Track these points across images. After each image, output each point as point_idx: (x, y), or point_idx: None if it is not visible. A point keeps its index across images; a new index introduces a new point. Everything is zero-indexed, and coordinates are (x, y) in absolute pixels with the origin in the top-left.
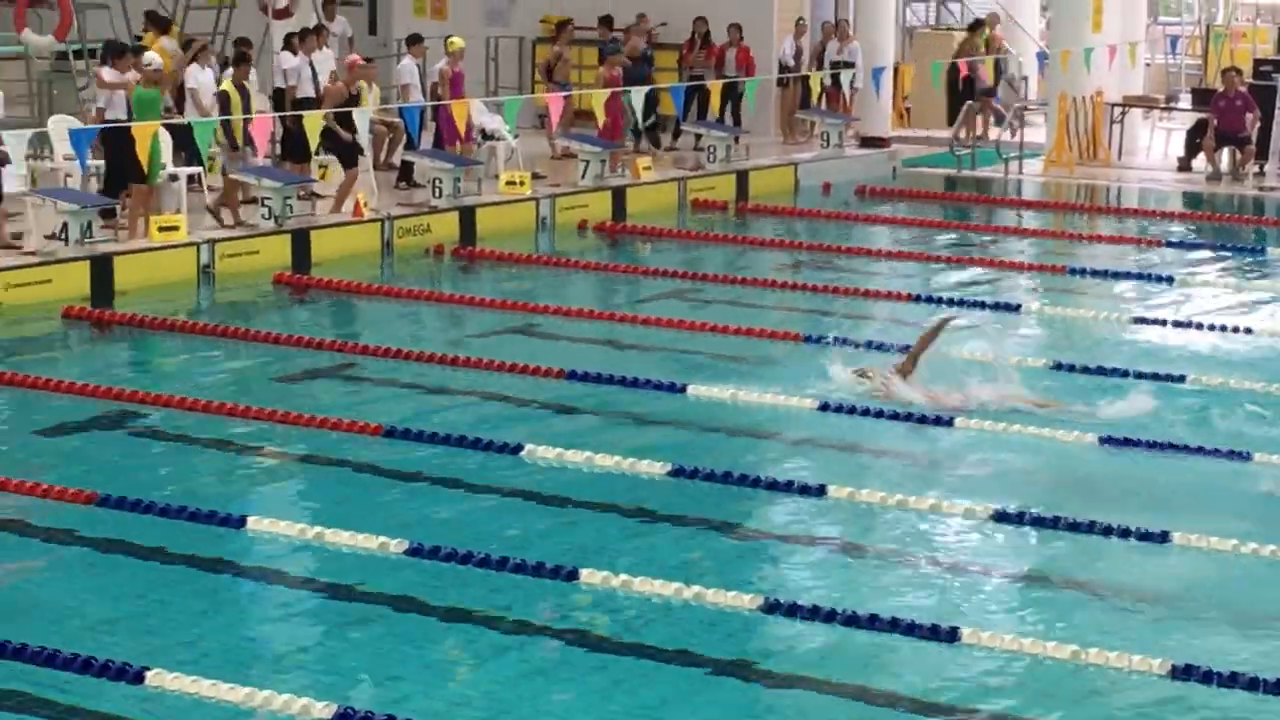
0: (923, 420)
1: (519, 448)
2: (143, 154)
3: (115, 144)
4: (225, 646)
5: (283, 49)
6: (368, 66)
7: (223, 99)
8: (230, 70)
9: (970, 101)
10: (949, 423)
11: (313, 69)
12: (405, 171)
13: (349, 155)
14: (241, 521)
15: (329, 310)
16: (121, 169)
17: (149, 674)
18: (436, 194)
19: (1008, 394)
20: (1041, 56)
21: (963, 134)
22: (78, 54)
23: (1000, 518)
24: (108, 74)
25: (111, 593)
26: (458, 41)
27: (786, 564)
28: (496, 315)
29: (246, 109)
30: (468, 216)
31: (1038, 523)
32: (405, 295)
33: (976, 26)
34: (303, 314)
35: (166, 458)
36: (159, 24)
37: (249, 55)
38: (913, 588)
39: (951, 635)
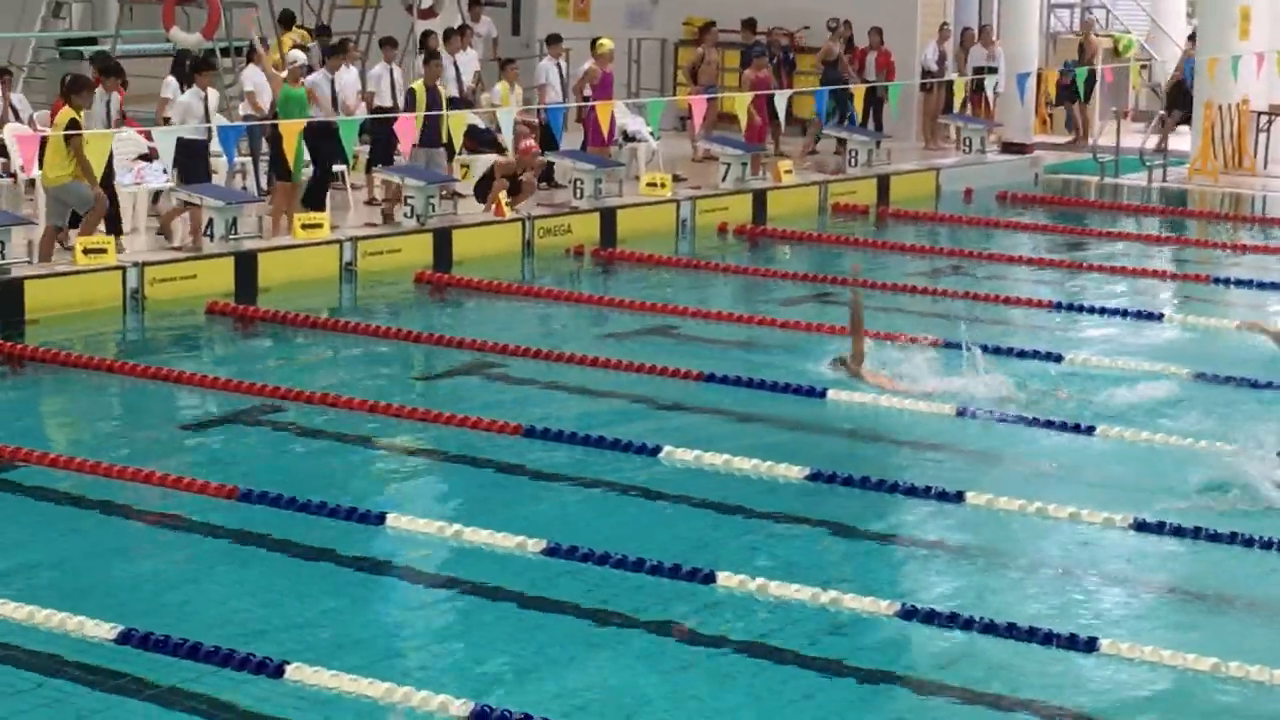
0: (1063, 427)
1: (657, 449)
2: (289, 152)
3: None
4: (364, 642)
5: (420, 50)
6: (510, 67)
7: (410, 98)
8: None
9: (1165, 111)
10: (1089, 430)
11: (457, 69)
12: (546, 172)
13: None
14: (381, 518)
15: (469, 309)
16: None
17: (289, 668)
18: (578, 195)
19: (987, 383)
20: (1188, 63)
21: (1152, 143)
22: (224, 52)
23: (1140, 527)
24: (249, 79)
25: (252, 587)
26: (608, 43)
27: (924, 570)
28: (635, 317)
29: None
30: (608, 217)
31: (1178, 533)
32: (545, 295)
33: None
34: (443, 313)
35: (307, 454)
36: (287, 23)
37: (438, 55)
38: (1051, 596)
39: (1090, 645)
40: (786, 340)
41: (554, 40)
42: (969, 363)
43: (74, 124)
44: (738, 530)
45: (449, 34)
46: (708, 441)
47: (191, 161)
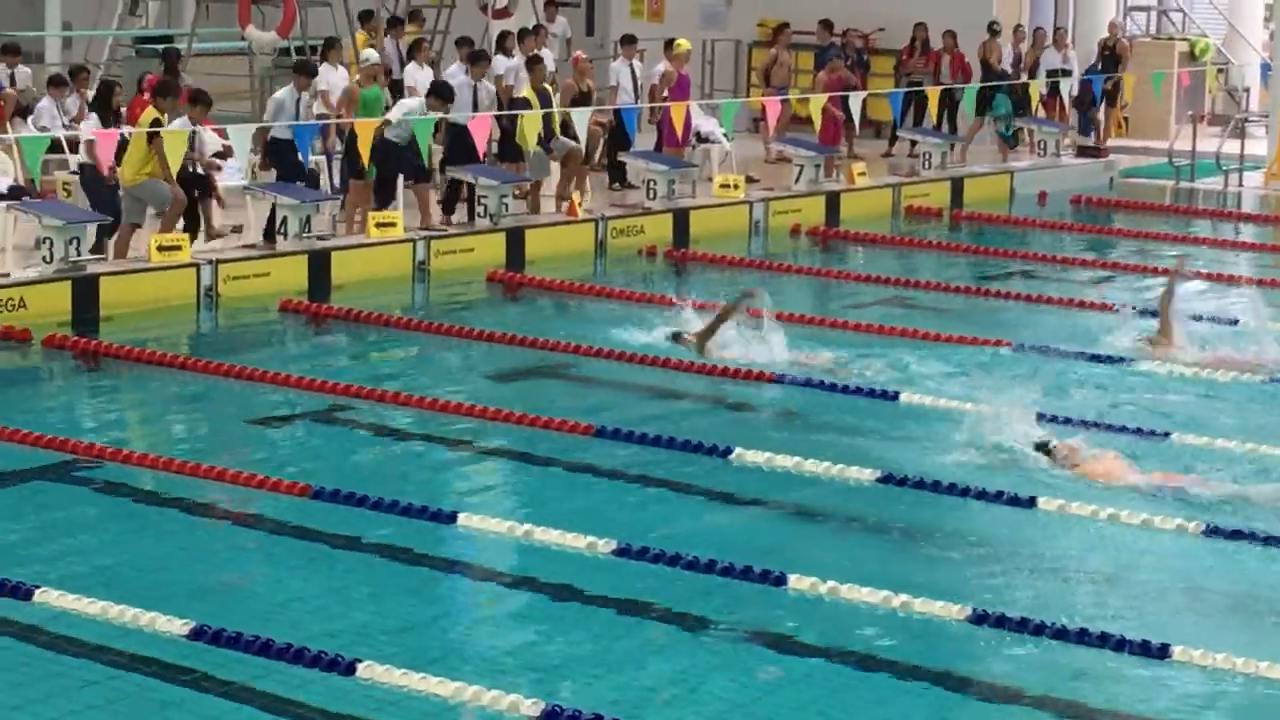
0: (1139, 432)
1: (728, 450)
2: (364, 150)
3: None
4: (434, 641)
5: (496, 51)
6: (586, 65)
7: (522, 104)
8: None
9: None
10: (1165, 435)
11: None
12: (619, 172)
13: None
14: (452, 517)
15: (541, 309)
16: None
17: (360, 666)
18: (650, 195)
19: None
20: (1265, 68)
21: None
22: (299, 50)
23: (1212, 533)
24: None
25: (323, 585)
26: (684, 44)
27: (995, 575)
28: (708, 318)
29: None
30: (681, 219)
31: (1251, 539)
32: (617, 295)
33: None
34: (515, 312)
35: (379, 452)
36: (365, 21)
37: (541, 59)
38: (1123, 603)
39: (1162, 652)
40: (858, 342)
41: (628, 41)
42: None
43: (156, 124)
44: (808, 532)
45: (524, 34)
46: (779, 444)
47: (284, 160)
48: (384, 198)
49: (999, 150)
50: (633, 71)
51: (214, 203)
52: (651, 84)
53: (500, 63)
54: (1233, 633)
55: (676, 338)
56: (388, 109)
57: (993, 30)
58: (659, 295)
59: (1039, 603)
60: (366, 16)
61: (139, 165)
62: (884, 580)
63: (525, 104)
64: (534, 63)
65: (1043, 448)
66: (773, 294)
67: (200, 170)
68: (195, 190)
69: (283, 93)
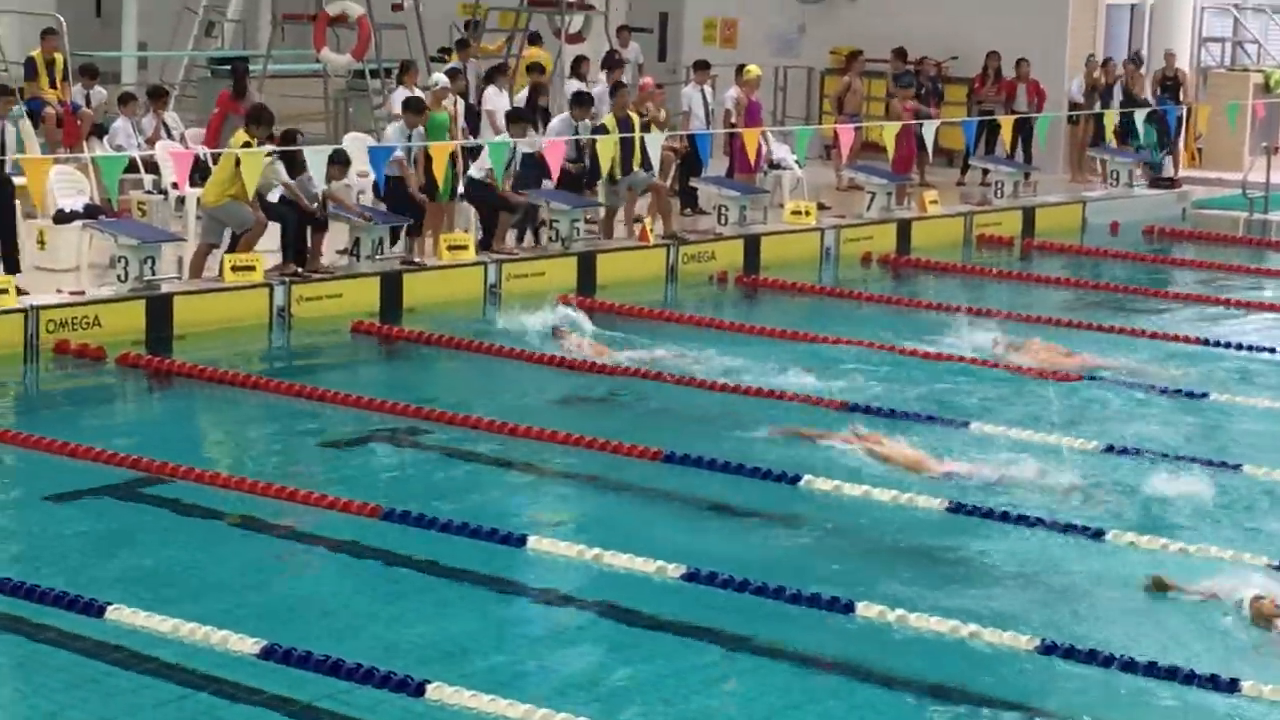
0: (1209, 463)
1: (797, 478)
2: (439, 173)
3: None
4: (504, 663)
5: (570, 75)
6: (656, 91)
7: (600, 131)
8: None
9: None
10: (1236, 467)
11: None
12: (690, 198)
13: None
14: (522, 540)
15: (612, 333)
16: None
17: (429, 687)
18: (722, 221)
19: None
20: None
21: None
22: (374, 73)
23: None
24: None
25: (394, 606)
26: (755, 70)
27: (1064, 606)
28: (778, 344)
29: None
30: (752, 244)
31: None
32: (688, 321)
33: None
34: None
35: (450, 474)
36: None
37: (624, 85)
38: (1193, 636)
39: (1231, 686)
40: (929, 371)
41: (701, 66)
42: None
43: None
44: (876, 560)
45: (608, 62)
46: (848, 471)
47: (398, 195)
48: (488, 235)
49: (1143, 175)
50: (704, 97)
51: (324, 237)
52: (724, 109)
53: (572, 87)
54: None
55: (559, 335)
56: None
57: (1136, 60)
58: (727, 321)
59: (1108, 634)
60: (406, 67)
61: (224, 187)
62: (952, 609)
63: (603, 130)
64: (617, 88)
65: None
66: (843, 322)
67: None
68: (306, 223)
69: (392, 129)
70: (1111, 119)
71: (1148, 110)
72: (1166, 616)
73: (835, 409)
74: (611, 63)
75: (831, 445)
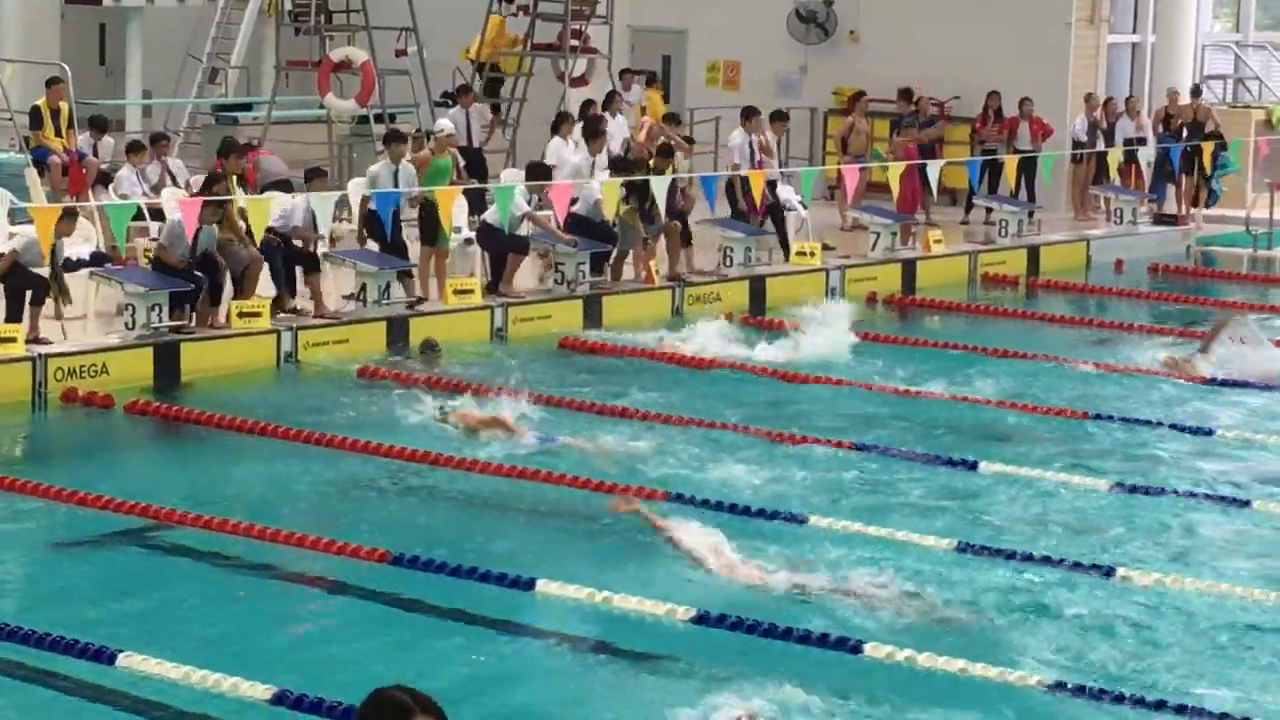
0: (1220, 499)
1: (804, 519)
2: (445, 218)
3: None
4: (516, 706)
5: (552, 133)
6: (656, 131)
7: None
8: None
9: None
10: (1245, 504)
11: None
12: (683, 231)
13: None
14: (531, 584)
15: (615, 374)
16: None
17: None
18: (728, 263)
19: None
20: None
21: None
22: (378, 118)
23: None
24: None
25: (404, 650)
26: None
27: (1072, 643)
28: (773, 384)
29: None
30: (758, 285)
31: None
32: (691, 363)
33: None
34: (584, 375)
35: (458, 518)
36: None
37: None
38: (1211, 674)
39: None
40: (934, 410)
41: (749, 114)
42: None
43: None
44: (882, 599)
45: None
46: (853, 512)
47: (378, 230)
48: (497, 276)
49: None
50: (751, 145)
51: (320, 277)
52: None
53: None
54: None
55: (442, 412)
56: (459, 178)
57: (1196, 92)
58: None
59: (1121, 672)
60: (392, 137)
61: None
62: (959, 648)
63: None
64: (598, 121)
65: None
66: (847, 361)
67: (296, 241)
68: (293, 262)
69: (378, 166)
70: (1114, 157)
71: (1215, 143)
72: (1181, 656)
73: (842, 449)
74: (588, 105)
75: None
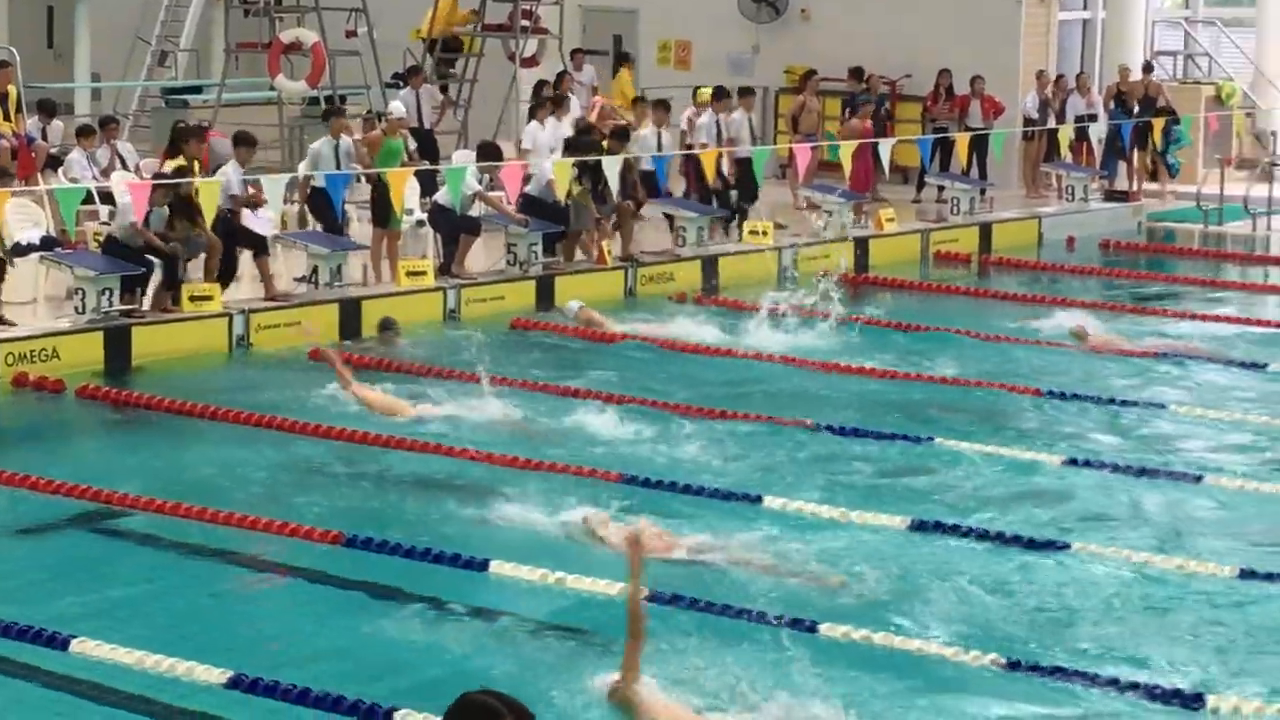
0: (1170, 476)
1: (759, 498)
2: (397, 200)
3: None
4: (467, 687)
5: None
6: (608, 110)
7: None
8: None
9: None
10: (1197, 479)
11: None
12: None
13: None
14: (484, 565)
15: (566, 356)
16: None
17: (397, 715)
18: (680, 242)
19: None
20: None
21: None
22: (329, 99)
23: (1246, 575)
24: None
25: (359, 633)
26: (707, 92)
27: (1023, 620)
28: (732, 363)
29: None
30: (710, 264)
31: None
32: (646, 340)
33: None
34: (538, 358)
35: (411, 500)
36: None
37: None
38: (1159, 648)
39: (1197, 700)
40: (886, 389)
41: (719, 95)
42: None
43: (181, 171)
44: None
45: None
46: (804, 490)
47: (324, 209)
48: (449, 257)
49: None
50: (719, 125)
51: (269, 259)
52: (680, 130)
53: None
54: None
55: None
56: (410, 159)
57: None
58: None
59: (1068, 648)
60: (331, 111)
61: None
62: (914, 631)
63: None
64: (561, 101)
65: None
66: (799, 341)
67: (246, 211)
68: (239, 244)
69: (319, 143)
70: (1065, 134)
71: (1167, 118)
72: (1133, 630)
73: (804, 428)
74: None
75: (789, 465)
